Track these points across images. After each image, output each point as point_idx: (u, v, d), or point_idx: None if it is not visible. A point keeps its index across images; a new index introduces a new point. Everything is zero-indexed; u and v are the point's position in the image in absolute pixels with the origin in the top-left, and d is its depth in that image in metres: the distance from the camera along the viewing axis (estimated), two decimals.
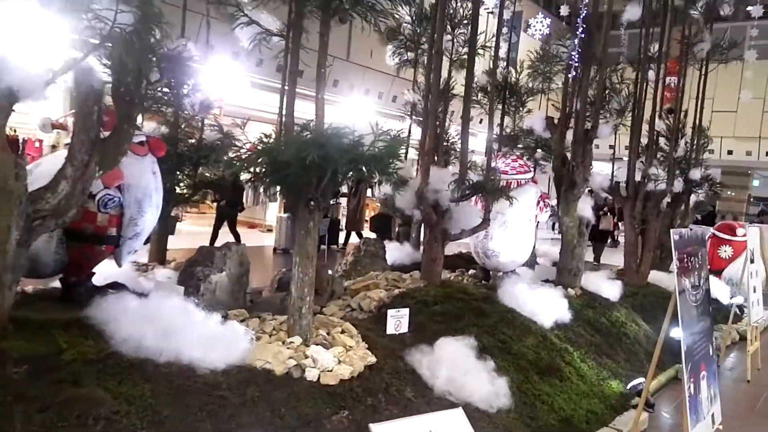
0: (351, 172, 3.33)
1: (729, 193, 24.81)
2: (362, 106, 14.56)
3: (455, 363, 3.81)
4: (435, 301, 4.94)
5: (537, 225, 6.34)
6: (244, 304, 5.11)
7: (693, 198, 9.02)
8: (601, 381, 4.84)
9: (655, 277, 8.05)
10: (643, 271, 7.70)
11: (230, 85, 12.05)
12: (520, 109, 8.93)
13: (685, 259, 3.41)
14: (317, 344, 3.50)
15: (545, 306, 5.32)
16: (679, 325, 6.39)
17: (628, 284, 7.64)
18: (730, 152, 20.74)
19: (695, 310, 3.50)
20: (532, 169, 6.37)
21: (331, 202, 12.42)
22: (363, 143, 2.91)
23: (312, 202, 3.36)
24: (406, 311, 4.40)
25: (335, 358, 3.37)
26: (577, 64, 5.94)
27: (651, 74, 8.24)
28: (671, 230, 3.28)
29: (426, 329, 4.52)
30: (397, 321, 4.34)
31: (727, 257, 9.61)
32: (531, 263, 9.28)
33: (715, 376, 3.81)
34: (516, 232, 5.85)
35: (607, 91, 6.60)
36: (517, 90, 8.48)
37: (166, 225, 5.26)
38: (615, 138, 7.72)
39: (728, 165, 22.69)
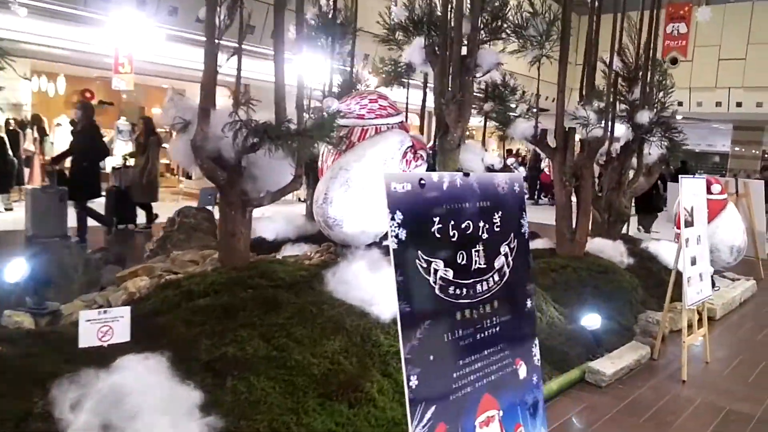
0: None
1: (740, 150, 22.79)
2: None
3: (126, 398, 2.46)
4: (207, 292, 3.58)
5: None
6: None
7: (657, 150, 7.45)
8: None
9: (598, 245, 6.58)
10: (579, 239, 6.21)
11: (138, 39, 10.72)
12: None
13: (440, 226, 1.99)
14: None
15: (389, 292, 3.92)
16: (587, 314, 4.93)
17: (560, 256, 6.21)
18: (739, 104, 18.71)
19: (468, 311, 2.08)
20: (400, 112, 4.89)
21: (117, 165, 9.80)
22: None
23: None
24: (122, 311, 3.05)
25: None
26: None
27: None
28: (384, 174, 1.86)
29: (163, 336, 3.19)
30: (105, 327, 3.00)
31: None
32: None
33: (533, 412, 2.39)
34: (365, 194, 4.42)
35: (512, 11, 5.07)
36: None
37: None
38: (537, 73, 6.18)
39: (739, 119, 20.71)
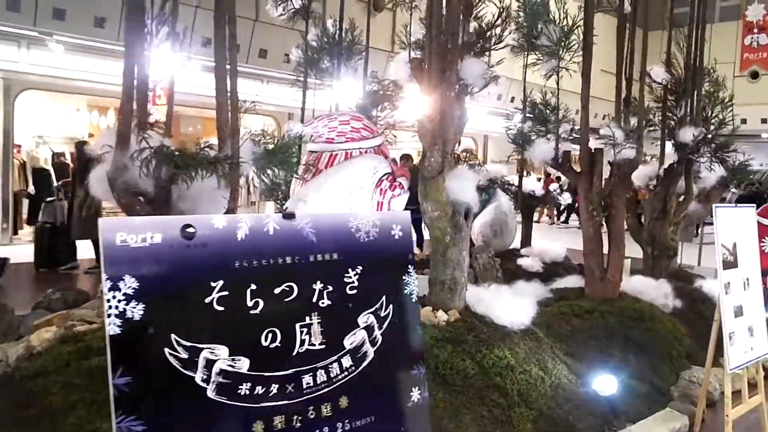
0: None
1: None
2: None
3: None
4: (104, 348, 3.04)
5: None
6: None
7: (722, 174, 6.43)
8: None
9: (637, 285, 5.63)
10: (612, 277, 5.31)
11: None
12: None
13: (225, 294, 1.35)
14: None
15: None
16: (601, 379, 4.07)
17: (588, 298, 5.33)
18: None
19: (281, 418, 1.39)
20: (377, 134, 4.27)
21: (50, 198, 8.71)
22: None
23: None
24: None
25: None
26: None
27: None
28: (100, 222, 1.24)
29: (32, 405, 2.67)
30: None
31: None
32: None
33: None
34: None
35: (503, 16, 4.37)
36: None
37: None
38: (558, 84, 5.42)
39: None
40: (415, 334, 1.72)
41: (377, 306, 1.63)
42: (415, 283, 1.72)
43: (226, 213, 3.43)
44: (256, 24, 10.95)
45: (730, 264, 3.78)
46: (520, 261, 7.34)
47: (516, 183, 8.01)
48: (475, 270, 6.48)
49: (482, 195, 7.79)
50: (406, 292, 1.70)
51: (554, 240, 9.18)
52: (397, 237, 1.70)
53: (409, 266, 1.72)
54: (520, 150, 5.82)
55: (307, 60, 6.17)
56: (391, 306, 1.66)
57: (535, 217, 11.80)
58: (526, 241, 8.34)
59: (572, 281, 5.92)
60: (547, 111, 6.32)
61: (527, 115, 6.69)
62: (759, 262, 4.09)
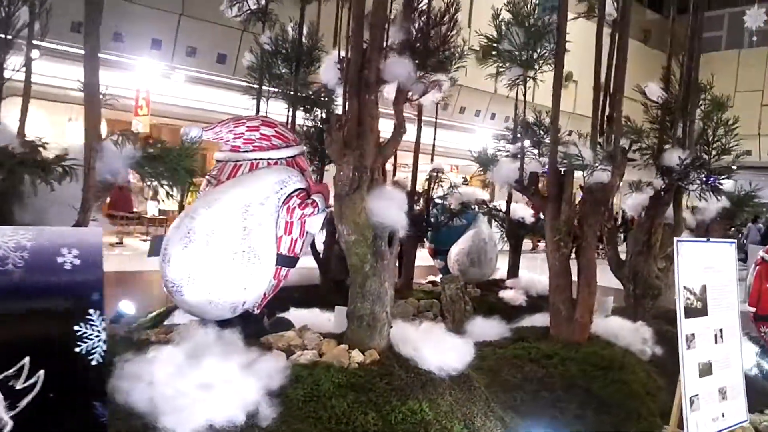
0: None
1: None
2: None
3: None
4: None
5: (299, 239, 3.62)
6: None
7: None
8: None
9: (613, 327, 4.93)
10: (580, 318, 4.64)
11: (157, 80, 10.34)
12: None
13: None
14: None
15: (216, 397, 2.69)
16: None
17: (553, 340, 4.67)
18: None
19: None
20: (293, 144, 3.71)
21: None
22: None
23: None
24: None
25: None
26: None
27: (609, 7, 5.16)
28: None
29: None
30: None
31: None
32: None
33: None
34: (213, 251, 3.24)
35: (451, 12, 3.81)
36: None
37: None
38: (525, 97, 4.81)
39: None
40: (89, 414, 1.13)
41: (9, 373, 1.05)
42: (100, 336, 1.13)
43: (74, 226, 2.90)
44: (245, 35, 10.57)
45: (696, 311, 3.11)
46: (503, 293, 6.69)
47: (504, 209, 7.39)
48: (441, 302, 5.86)
49: (458, 220, 7.24)
50: (78, 350, 1.12)
51: (545, 272, 8.48)
52: (68, 267, 1.12)
53: (90, 311, 1.13)
54: (483, 171, 5.20)
55: (261, 65, 5.69)
56: (41, 373, 1.08)
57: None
58: (512, 271, 7.66)
59: (540, 320, 5.23)
60: (540, 131, 5.73)
61: (518, 135, 6.12)
62: (737, 309, 3.40)
